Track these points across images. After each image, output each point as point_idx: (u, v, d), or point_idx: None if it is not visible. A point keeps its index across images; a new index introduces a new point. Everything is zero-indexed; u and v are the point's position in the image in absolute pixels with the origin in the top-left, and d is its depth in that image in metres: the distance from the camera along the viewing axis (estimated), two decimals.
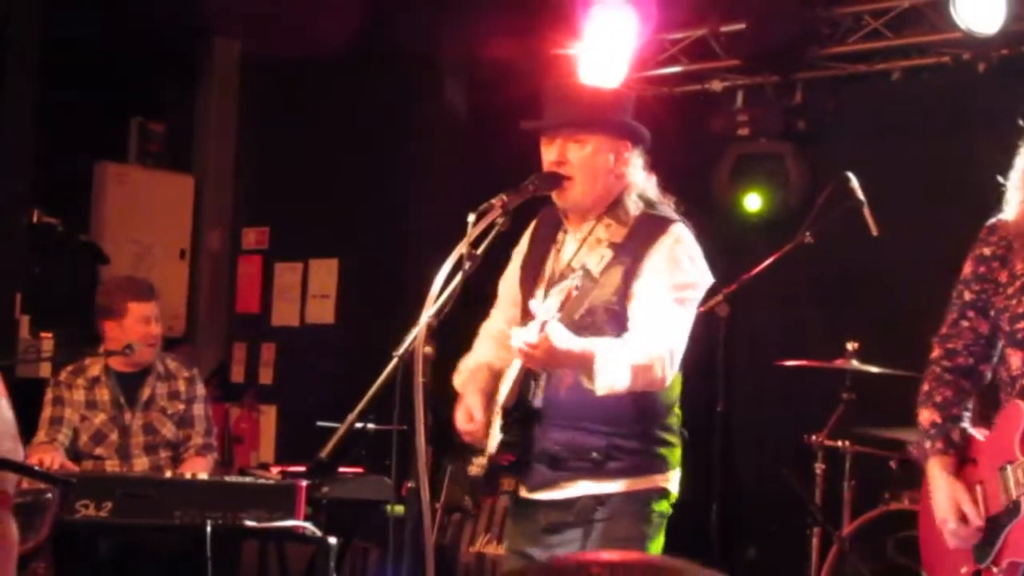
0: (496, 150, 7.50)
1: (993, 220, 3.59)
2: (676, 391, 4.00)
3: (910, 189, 6.68)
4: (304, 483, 5.47)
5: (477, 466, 4.01)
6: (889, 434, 5.84)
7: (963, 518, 3.44)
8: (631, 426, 3.88)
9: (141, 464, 5.91)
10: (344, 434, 3.58)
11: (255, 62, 9.40)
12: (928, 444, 3.55)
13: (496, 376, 4.13)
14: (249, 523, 5.32)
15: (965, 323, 3.58)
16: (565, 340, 3.61)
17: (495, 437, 3.94)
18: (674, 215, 3.99)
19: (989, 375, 3.61)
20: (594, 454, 3.85)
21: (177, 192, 9.33)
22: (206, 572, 5.13)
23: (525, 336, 3.58)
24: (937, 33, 6.77)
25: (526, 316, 3.92)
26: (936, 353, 3.64)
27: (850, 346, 5.92)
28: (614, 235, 3.93)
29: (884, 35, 7.01)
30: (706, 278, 3.96)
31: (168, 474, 5.74)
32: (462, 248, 3.55)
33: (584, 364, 3.68)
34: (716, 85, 7.64)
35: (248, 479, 5.70)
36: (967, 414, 3.59)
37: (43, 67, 7.34)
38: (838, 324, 6.49)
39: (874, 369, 5.87)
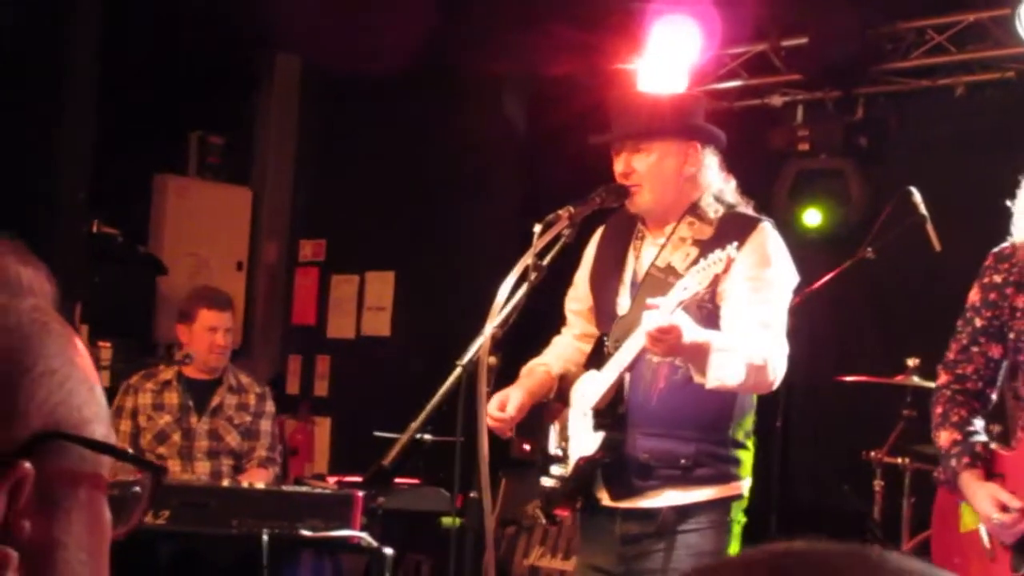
0: (555, 164, 7.51)
1: (1001, 247, 3.70)
2: (755, 396, 3.98)
3: (973, 205, 6.58)
4: (361, 493, 5.47)
5: (554, 476, 3.96)
6: None
7: (1003, 508, 3.50)
8: (718, 432, 3.86)
9: (202, 467, 5.95)
10: (406, 442, 3.57)
11: (315, 76, 9.45)
12: (954, 462, 3.63)
13: (552, 379, 4.11)
14: (306, 533, 5.32)
15: (976, 349, 3.69)
16: (692, 330, 3.59)
17: (587, 438, 3.90)
18: (759, 215, 3.96)
19: (995, 398, 3.73)
20: (683, 461, 3.81)
21: (235, 204, 9.39)
22: None
23: (657, 320, 3.53)
24: (1001, 48, 6.71)
25: (611, 322, 3.91)
26: (944, 379, 3.77)
27: (911, 362, 5.85)
28: (699, 233, 3.88)
29: (947, 50, 6.95)
30: (796, 277, 3.94)
31: (226, 483, 5.75)
32: (528, 259, 3.54)
33: (699, 356, 3.64)
34: (776, 100, 7.60)
35: (305, 489, 5.71)
36: (983, 431, 3.68)
37: (104, 78, 7.40)
38: (899, 340, 6.42)
39: (935, 385, 5.80)
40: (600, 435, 3.85)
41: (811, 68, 7.24)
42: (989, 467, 3.59)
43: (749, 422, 3.96)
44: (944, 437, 3.67)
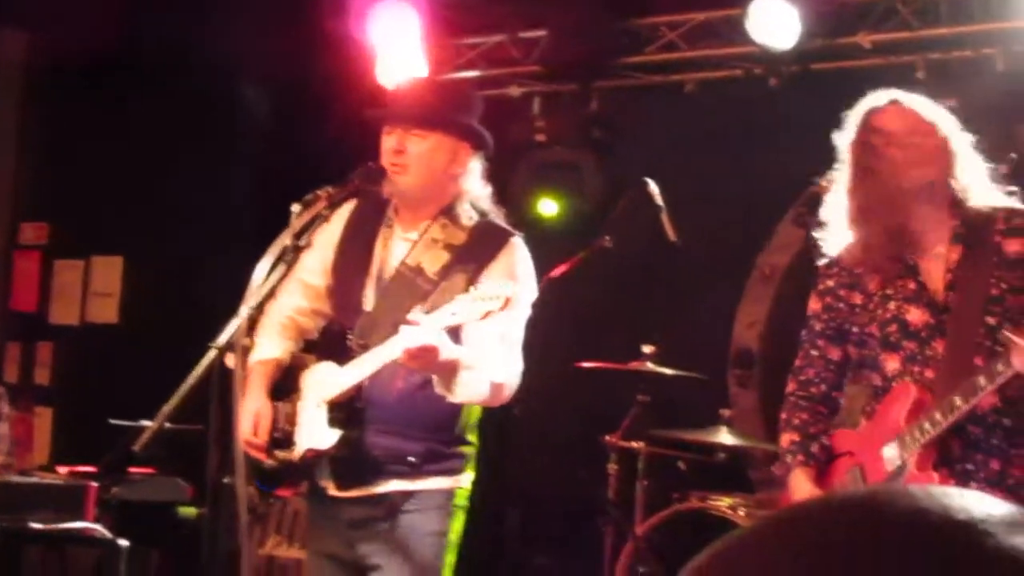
0: (291, 147, 7.43)
1: (829, 257, 3.85)
2: None
3: (705, 197, 6.82)
4: (94, 484, 5.31)
5: (278, 458, 3.92)
6: (681, 435, 5.98)
7: None
8: (447, 431, 3.94)
9: None
10: (158, 428, 3.46)
11: (42, 54, 9.11)
12: (789, 459, 3.82)
13: (284, 371, 4.04)
14: (35, 525, 5.14)
15: (815, 352, 3.87)
16: (447, 349, 3.63)
17: (321, 431, 3.86)
18: (511, 228, 4.02)
19: (842, 402, 3.92)
20: (411, 459, 3.87)
21: None
22: None
23: (421, 338, 3.53)
24: (731, 47, 6.94)
25: (355, 315, 3.89)
26: (791, 387, 3.93)
27: (646, 349, 6.01)
28: (451, 237, 3.93)
29: (679, 47, 7.15)
30: (536, 293, 4.05)
31: None
32: (285, 239, 3.50)
33: (450, 373, 3.71)
34: (514, 91, 7.66)
35: (34, 480, 5.51)
36: (823, 435, 3.85)
37: None
38: (635, 327, 6.59)
39: (668, 371, 5.98)
40: (337, 432, 3.85)
41: (549, 60, 7.34)
42: (827, 463, 3.78)
43: (474, 418, 4.06)
44: (784, 439, 3.85)
